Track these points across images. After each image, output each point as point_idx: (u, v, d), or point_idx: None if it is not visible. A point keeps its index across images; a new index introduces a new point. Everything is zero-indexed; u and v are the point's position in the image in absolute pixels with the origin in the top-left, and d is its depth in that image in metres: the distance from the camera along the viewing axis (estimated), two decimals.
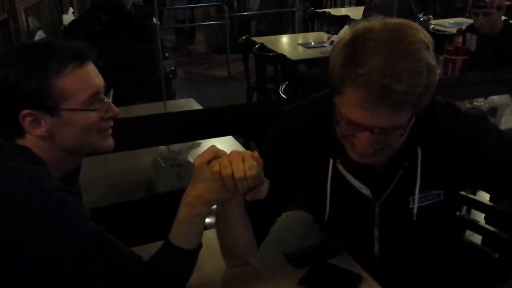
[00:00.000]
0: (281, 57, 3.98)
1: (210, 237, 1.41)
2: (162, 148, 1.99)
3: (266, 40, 4.64)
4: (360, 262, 1.25)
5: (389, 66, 0.94)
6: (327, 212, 1.25)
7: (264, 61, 4.08)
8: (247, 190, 0.99)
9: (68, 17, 5.36)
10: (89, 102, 0.99)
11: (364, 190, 1.21)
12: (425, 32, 1.03)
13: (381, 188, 1.20)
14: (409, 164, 1.17)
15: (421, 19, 4.68)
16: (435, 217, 1.25)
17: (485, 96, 2.32)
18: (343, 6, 9.31)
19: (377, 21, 1.02)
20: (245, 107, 2.44)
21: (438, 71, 1.03)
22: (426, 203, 1.20)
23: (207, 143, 2.13)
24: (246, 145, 2.26)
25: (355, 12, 5.62)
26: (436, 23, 4.93)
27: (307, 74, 4.28)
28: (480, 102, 2.35)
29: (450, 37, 3.14)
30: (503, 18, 2.89)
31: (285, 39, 5.13)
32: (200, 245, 1.05)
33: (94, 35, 3.27)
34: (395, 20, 1.04)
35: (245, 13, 7.61)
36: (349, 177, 1.20)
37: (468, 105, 2.32)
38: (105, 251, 0.94)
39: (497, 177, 1.26)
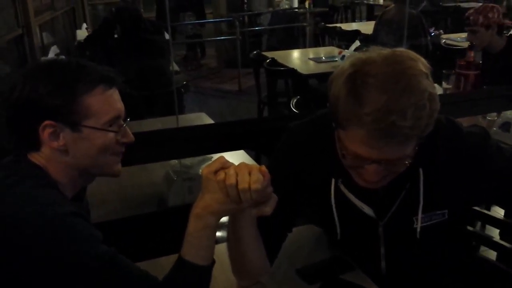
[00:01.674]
0: (292, 72, 3.99)
1: (222, 251, 1.41)
2: (174, 162, 1.99)
3: (277, 54, 4.67)
4: (368, 277, 1.24)
5: (393, 104, 0.94)
6: (338, 231, 1.24)
7: (275, 76, 4.10)
8: (253, 204, 0.98)
9: (81, 33, 5.45)
10: (109, 124, 1.03)
11: (367, 210, 1.20)
12: (423, 60, 1.03)
13: (384, 208, 1.20)
14: (412, 185, 1.17)
15: (432, 34, 4.67)
16: (441, 235, 1.24)
17: (498, 111, 2.30)
18: (353, 21, 9.36)
19: (374, 53, 1.02)
20: (257, 121, 2.45)
21: (438, 97, 1.02)
22: (430, 222, 1.19)
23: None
24: (257, 159, 2.26)
25: (366, 27, 5.64)
26: (447, 38, 4.93)
27: (318, 88, 4.28)
28: (493, 117, 2.33)
29: (461, 51, 3.13)
30: (508, 34, 2.89)
31: (296, 53, 5.16)
32: (213, 262, 1.04)
33: (107, 50, 3.31)
34: (393, 51, 1.03)
35: (256, 28, 7.67)
36: (351, 197, 1.20)
37: (481, 120, 2.30)
38: (118, 274, 0.94)
39: (502, 193, 1.24)
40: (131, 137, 1.09)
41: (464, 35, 2.88)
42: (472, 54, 2.53)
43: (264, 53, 4.95)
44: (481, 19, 2.72)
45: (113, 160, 1.07)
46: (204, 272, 1.01)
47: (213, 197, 0.97)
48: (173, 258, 1.28)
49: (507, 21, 2.98)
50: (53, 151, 1.00)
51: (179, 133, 1.77)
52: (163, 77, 3.49)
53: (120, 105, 1.06)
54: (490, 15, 2.72)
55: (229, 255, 1.17)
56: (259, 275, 1.21)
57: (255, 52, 4.75)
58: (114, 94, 1.05)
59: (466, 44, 2.93)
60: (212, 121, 2.79)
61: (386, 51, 1.03)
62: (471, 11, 2.80)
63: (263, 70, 4.18)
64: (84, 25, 6.00)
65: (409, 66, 0.99)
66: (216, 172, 0.96)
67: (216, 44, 7.88)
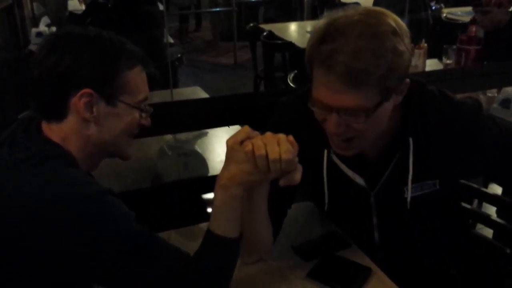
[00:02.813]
0: (290, 45, 3.92)
1: None
2: (169, 137, 1.97)
3: (274, 27, 4.58)
4: (363, 250, 1.25)
5: (350, 44, 0.97)
6: (326, 201, 1.26)
7: (272, 49, 4.04)
8: (280, 174, 0.96)
9: (73, 3, 5.33)
10: (141, 104, 1.04)
11: (358, 179, 1.22)
12: (398, 20, 1.04)
13: (375, 178, 1.21)
14: (402, 154, 1.17)
15: (433, 8, 4.60)
16: (433, 207, 1.24)
17: (499, 87, 2.28)
18: None
19: (353, 9, 1.05)
20: (253, 96, 2.41)
21: (409, 58, 1.05)
22: (420, 192, 1.20)
23: (214, 132, 2.12)
24: None
25: (365, 0, 5.55)
26: (448, 12, 4.85)
27: None
28: (493, 93, 2.31)
29: (463, 26, 3.08)
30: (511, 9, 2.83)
31: (293, 26, 5.07)
32: (240, 234, 1.03)
33: (99, 22, 3.24)
34: (370, 8, 1.06)
35: None
36: (343, 167, 1.22)
37: (481, 96, 2.28)
38: (154, 252, 0.93)
39: (495, 166, 1.24)
40: (149, 121, 1.09)
41: (466, 9, 2.81)
42: (474, 28, 2.49)
43: (261, 25, 4.86)
44: None
45: (130, 142, 1.08)
46: (234, 244, 1.01)
47: (240, 167, 0.95)
48: (167, 234, 1.27)
49: None
50: (80, 122, 0.98)
51: (174, 107, 1.75)
52: (157, 50, 3.43)
53: (148, 88, 1.07)
54: None
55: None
56: (265, 251, 1.21)
57: (251, 24, 4.66)
58: (145, 77, 1.06)
59: (467, 19, 2.88)
60: (207, 96, 2.75)
61: (365, 8, 1.06)
62: None
63: (260, 44, 4.12)
64: None
65: (378, 18, 1.02)
66: (241, 142, 0.95)
67: (211, 16, 7.75)
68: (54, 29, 3.98)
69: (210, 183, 1.89)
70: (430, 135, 1.16)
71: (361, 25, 1.00)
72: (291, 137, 0.96)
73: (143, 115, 1.06)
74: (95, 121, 0.99)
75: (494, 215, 1.57)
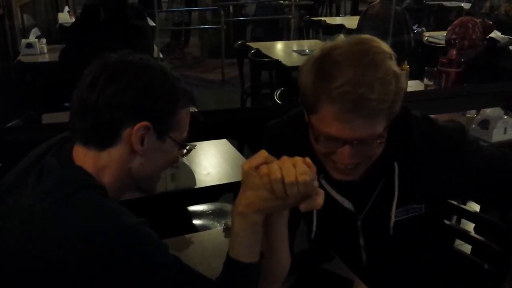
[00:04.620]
0: (276, 63, 3.99)
1: (204, 239, 1.42)
2: None
3: (262, 45, 4.66)
4: (350, 268, 1.26)
5: (360, 76, 0.98)
6: (314, 229, 1.26)
7: (259, 67, 4.09)
8: (299, 199, 0.90)
9: (63, 16, 5.35)
10: (184, 142, 1.03)
11: (347, 204, 1.23)
12: (386, 45, 1.07)
13: (362, 202, 1.23)
14: (387, 179, 1.19)
15: (415, 31, 4.73)
16: (418, 229, 1.26)
17: (478, 109, 2.34)
18: (338, 15, 9.40)
19: (341, 39, 1.07)
20: (240, 111, 2.45)
21: (404, 80, 1.08)
22: (406, 216, 1.21)
23: (202, 145, 2.14)
24: (240, 149, 2.26)
25: (350, 22, 5.67)
26: (429, 35, 4.99)
27: None
28: (472, 114, 2.37)
29: (443, 49, 3.17)
30: (488, 36, 2.94)
31: (280, 45, 5.15)
32: (262, 256, 0.99)
33: (90, 36, 3.26)
34: (357, 36, 1.08)
35: (241, 18, 7.64)
36: (332, 192, 1.23)
37: (460, 117, 2.34)
38: (185, 280, 0.93)
39: (477, 188, 1.26)
40: (179, 162, 1.10)
41: (446, 32, 2.91)
42: (454, 52, 2.57)
43: (248, 43, 4.93)
44: (466, 43, 2.78)
45: (160, 177, 1.06)
46: (255, 268, 0.98)
47: (256, 194, 0.90)
48: None
49: (488, 24, 3.03)
50: (127, 153, 0.95)
51: None
52: None
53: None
54: (473, 36, 2.78)
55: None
56: (284, 276, 1.09)
57: (239, 42, 4.73)
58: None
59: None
60: (195, 110, 2.77)
61: (351, 37, 1.08)
62: (453, 36, 2.82)
63: (247, 61, 4.17)
64: (66, 8, 5.88)
65: (373, 46, 1.04)
66: (257, 167, 0.91)
67: (200, 33, 7.82)
68: (44, 40, 3.99)
69: (196, 195, 1.92)
70: (415, 160, 1.17)
71: (362, 55, 1.01)
72: (307, 159, 0.91)
73: (180, 151, 1.04)
74: (142, 154, 0.96)
75: (472, 232, 1.61)
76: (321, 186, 1.18)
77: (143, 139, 0.94)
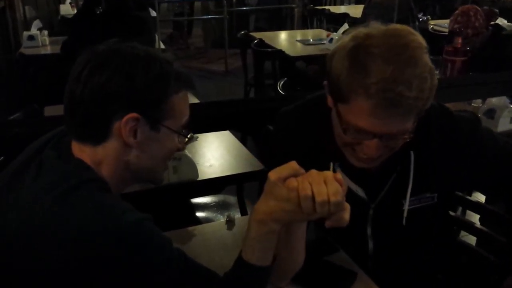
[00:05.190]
0: (280, 53, 3.96)
1: (206, 231, 1.41)
2: None
3: (265, 35, 4.63)
4: (355, 258, 1.26)
5: (399, 74, 0.95)
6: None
7: (262, 57, 4.06)
8: (326, 215, 0.88)
9: (65, 8, 5.33)
10: (182, 129, 0.99)
11: (360, 192, 1.22)
12: (421, 37, 1.04)
13: (375, 190, 1.22)
14: (403, 168, 1.18)
15: (420, 19, 4.68)
16: (428, 219, 1.26)
17: (484, 98, 2.32)
18: (342, 4, 9.30)
19: (375, 28, 1.03)
20: (243, 102, 2.43)
21: (435, 72, 1.05)
22: (419, 205, 1.21)
23: (204, 137, 2.13)
24: (243, 140, 2.26)
25: (355, 10, 5.62)
26: (435, 24, 4.94)
27: (305, 70, 4.27)
28: (478, 104, 2.35)
29: (448, 37, 3.14)
30: (493, 23, 2.92)
31: (283, 35, 5.13)
32: (274, 259, 0.98)
33: (91, 27, 3.24)
34: (392, 26, 1.05)
35: (244, 8, 7.59)
36: (346, 180, 1.21)
37: (466, 106, 2.32)
38: (191, 275, 0.92)
39: (491, 179, 1.26)
40: (185, 146, 1.03)
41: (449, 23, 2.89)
42: (459, 40, 2.54)
43: (251, 33, 4.90)
44: (470, 32, 2.76)
45: (165, 167, 1.03)
46: (267, 271, 0.97)
47: (280, 205, 0.88)
48: None
49: (491, 11, 3.00)
50: (121, 147, 0.92)
51: None
52: None
53: (189, 110, 1.00)
54: (476, 24, 2.77)
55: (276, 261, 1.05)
56: (294, 273, 1.11)
57: (242, 32, 4.70)
58: (188, 98, 1.00)
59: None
60: (198, 101, 2.77)
61: (385, 26, 1.04)
62: (456, 25, 2.81)
63: (250, 51, 4.15)
64: (68, 0, 5.86)
65: (411, 39, 1.00)
66: (285, 179, 0.88)
67: (203, 24, 7.78)
68: (46, 32, 3.98)
69: (199, 187, 1.92)
70: (431, 149, 1.17)
71: (401, 50, 0.97)
72: (338, 175, 0.89)
73: (181, 139, 1.00)
74: (137, 146, 0.93)
75: (477, 223, 1.60)
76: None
77: (135, 131, 0.91)
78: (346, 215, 0.89)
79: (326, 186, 0.85)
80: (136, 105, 0.89)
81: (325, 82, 1.09)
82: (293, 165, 0.89)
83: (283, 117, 1.29)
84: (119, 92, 0.88)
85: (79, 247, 0.80)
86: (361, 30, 1.03)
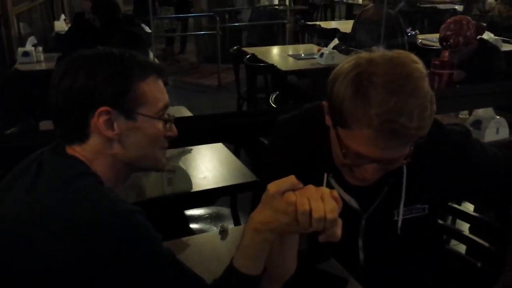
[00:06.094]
0: (272, 68, 4.01)
1: (199, 242, 1.43)
2: None
3: (257, 50, 4.68)
4: (346, 268, 1.27)
5: (402, 105, 0.96)
6: None
7: (254, 71, 4.11)
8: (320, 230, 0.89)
9: (59, 24, 5.36)
10: (161, 113, 1.02)
11: (353, 203, 1.24)
12: (421, 62, 1.05)
13: (368, 201, 1.24)
14: (395, 180, 1.20)
15: (409, 34, 4.77)
16: (419, 228, 1.28)
17: (470, 109, 2.36)
18: (333, 19, 9.44)
19: (377, 54, 1.03)
20: (236, 115, 2.46)
21: (434, 98, 1.05)
22: (410, 216, 1.23)
23: (198, 149, 2.16)
24: (236, 153, 2.28)
25: (345, 26, 5.70)
26: (423, 38, 5.03)
27: (297, 84, 4.32)
28: (465, 115, 2.39)
29: (437, 51, 3.20)
30: (479, 37, 2.98)
31: (275, 50, 5.19)
32: (264, 269, 0.99)
33: (85, 43, 3.27)
34: (396, 53, 1.04)
35: (237, 24, 7.67)
36: (340, 191, 1.23)
37: (453, 118, 2.36)
38: (178, 274, 0.93)
39: (481, 189, 1.30)
40: (175, 131, 1.07)
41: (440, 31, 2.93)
42: (446, 53, 2.60)
43: (244, 48, 4.95)
44: (461, 40, 2.80)
45: (161, 154, 1.06)
46: (256, 280, 0.98)
47: (276, 217, 0.89)
48: None
49: (480, 26, 3.06)
50: (103, 141, 0.97)
51: None
52: None
53: (167, 95, 1.04)
54: (468, 33, 2.80)
55: (269, 267, 1.06)
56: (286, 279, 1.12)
57: (235, 47, 4.75)
58: (162, 84, 1.04)
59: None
60: (191, 114, 2.79)
61: (388, 52, 1.04)
62: (448, 32, 2.83)
63: (243, 66, 4.20)
64: (63, 16, 5.90)
65: (414, 68, 1.01)
66: (283, 192, 0.89)
67: (196, 40, 7.85)
68: (40, 49, 4.00)
69: (193, 199, 1.94)
70: (423, 161, 1.18)
71: (404, 80, 0.98)
72: (335, 192, 0.89)
73: (167, 125, 1.03)
74: (118, 138, 0.97)
75: (467, 231, 1.63)
76: (328, 185, 1.19)
77: (112, 124, 0.96)
78: (338, 231, 0.90)
79: (323, 202, 0.86)
80: (103, 99, 0.95)
81: (324, 103, 1.11)
82: (292, 179, 0.90)
83: (280, 125, 1.31)
84: (85, 90, 0.94)
85: (75, 237, 0.84)
86: (363, 57, 1.03)
